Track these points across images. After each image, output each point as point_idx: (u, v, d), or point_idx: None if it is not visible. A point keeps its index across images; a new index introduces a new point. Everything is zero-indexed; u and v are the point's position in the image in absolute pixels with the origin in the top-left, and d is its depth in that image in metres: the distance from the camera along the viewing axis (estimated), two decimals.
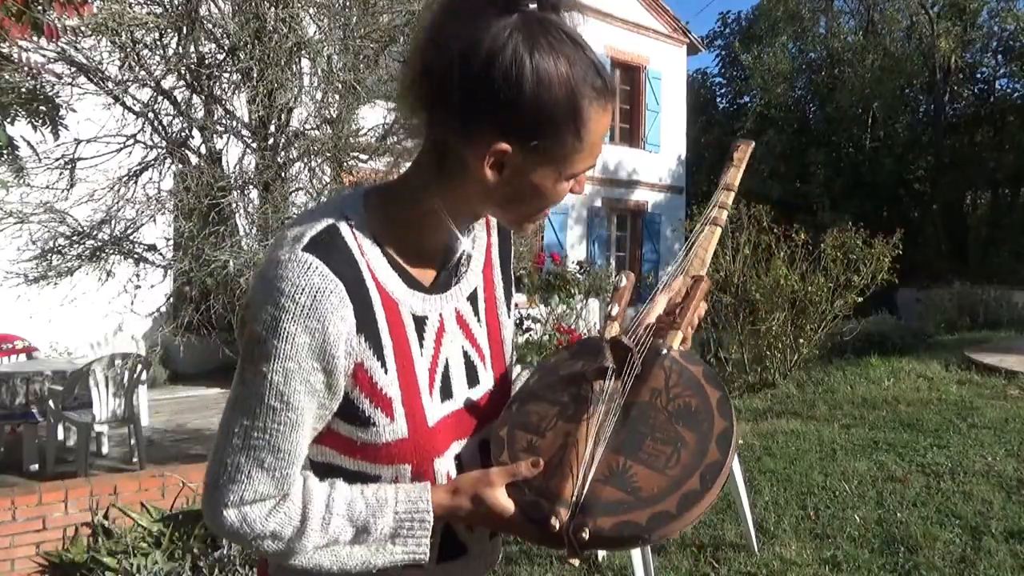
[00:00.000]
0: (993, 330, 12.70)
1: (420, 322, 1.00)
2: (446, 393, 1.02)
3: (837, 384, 7.78)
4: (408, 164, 1.04)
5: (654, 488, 0.97)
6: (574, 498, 0.97)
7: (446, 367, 1.03)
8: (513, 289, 1.19)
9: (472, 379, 1.07)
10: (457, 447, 1.03)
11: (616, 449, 1.01)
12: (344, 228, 0.94)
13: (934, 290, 15.62)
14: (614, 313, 1.14)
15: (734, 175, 1.37)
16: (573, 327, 9.28)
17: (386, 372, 0.95)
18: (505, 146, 0.89)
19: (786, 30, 24.66)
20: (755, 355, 8.19)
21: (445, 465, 1.01)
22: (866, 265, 8.08)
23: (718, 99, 27.85)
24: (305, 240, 0.91)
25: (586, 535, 0.94)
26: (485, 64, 0.86)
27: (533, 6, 0.89)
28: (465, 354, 1.06)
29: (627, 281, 1.19)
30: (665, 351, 1.08)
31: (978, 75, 24.12)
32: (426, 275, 1.02)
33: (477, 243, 1.10)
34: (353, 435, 0.96)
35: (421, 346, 1.00)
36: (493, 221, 1.14)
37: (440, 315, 1.03)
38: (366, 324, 0.93)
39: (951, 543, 3.69)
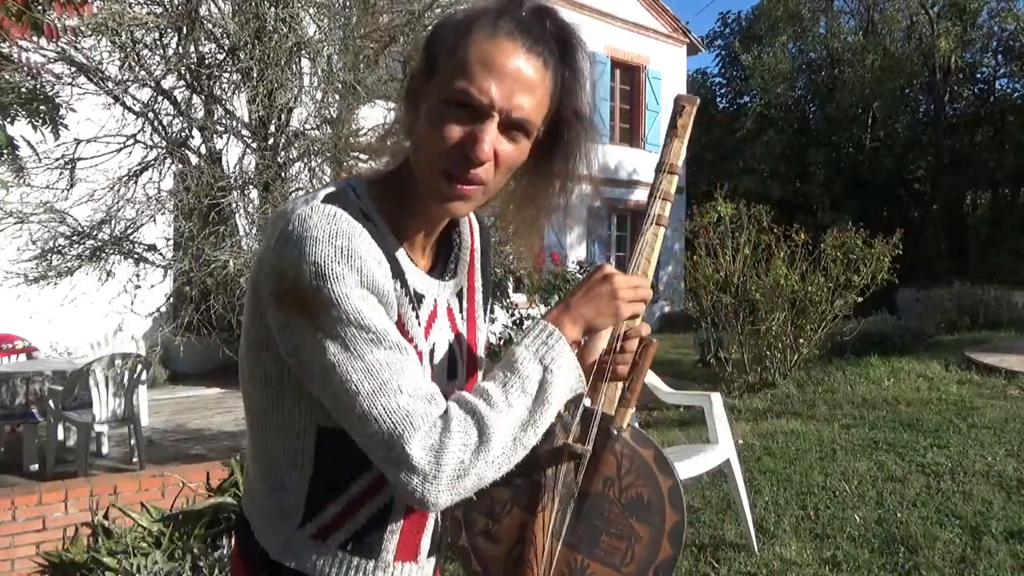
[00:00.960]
0: (993, 330, 12.70)
1: (418, 298, 1.00)
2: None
3: (837, 384, 7.78)
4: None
5: None
6: None
7: (431, 353, 1.02)
8: (490, 297, 1.19)
9: (451, 372, 1.06)
10: None
11: (573, 545, 1.03)
12: (351, 195, 0.95)
13: (934, 290, 15.61)
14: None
15: (678, 149, 1.17)
16: None
17: (419, 325, 0.96)
18: (414, 71, 0.95)
19: (786, 30, 24.64)
20: (755, 355, 8.18)
21: None
22: (866, 265, 8.08)
23: (718, 99, 27.82)
24: (321, 196, 0.92)
25: None
26: (439, 25, 0.95)
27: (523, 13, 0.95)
28: (449, 344, 1.06)
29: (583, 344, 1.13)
30: (616, 432, 1.07)
31: (978, 75, 24.12)
32: (421, 263, 1.03)
33: (464, 245, 1.11)
34: None
35: (418, 321, 0.99)
36: (476, 227, 1.14)
37: (435, 300, 1.03)
38: (397, 272, 0.93)
39: (951, 543, 3.69)
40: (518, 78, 0.91)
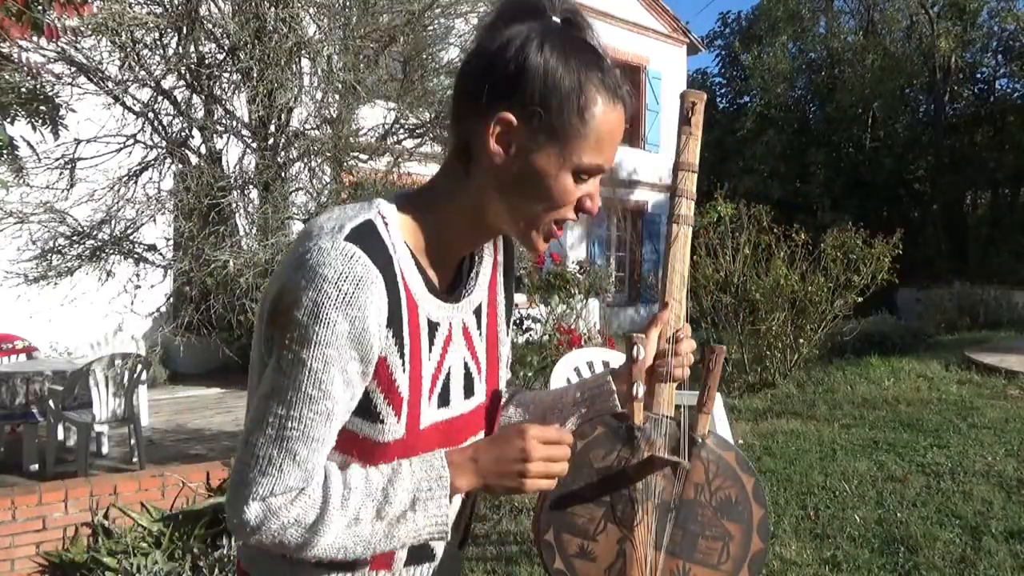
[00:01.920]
0: (993, 330, 12.71)
1: (433, 327, 1.01)
2: (443, 400, 1.03)
3: (837, 384, 7.79)
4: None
5: None
6: None
7: (448, 375, 1.04)
8: (512, 308, 1.20)
9: (468, 390, 1.08)
10: None
11: (674, 552, 1.07)
12: (379, 224, 0.95)
13: (934, 290, 15.62)
14: (639, 394, 1.11)
15: (694, 148, 1.18)
16: (573, 327, 9.27)
17: (404, 371, 0.96)
18: (510, 115, 0.92)
19: (786, 30, 24.64)
20: (755, 355, 8.18)
21: None
22: (866, 265, 8.08)
23: (718, 99, 27.82)
24: (347, 230, 0.91)
25: None
26: (499, 49, 0.93)
27: (556, 19, 0.95)
28: (465, 364, 1.07)
29: (644, 353, 1.13)
30: (700, 440, 1.12)
31: (978, 75, 24.12)
32: (440, 283, 1.04)
33: (485, 260, 1.11)
34: (357, 430, 0.96)
35: (430, 351, 1.00)
36: (500, 242, 1.15)
37: (450, 324, 1.04)
38: (394, 320, 0.93)
39: (951, 543, 3.69)
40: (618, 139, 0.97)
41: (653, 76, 17.14)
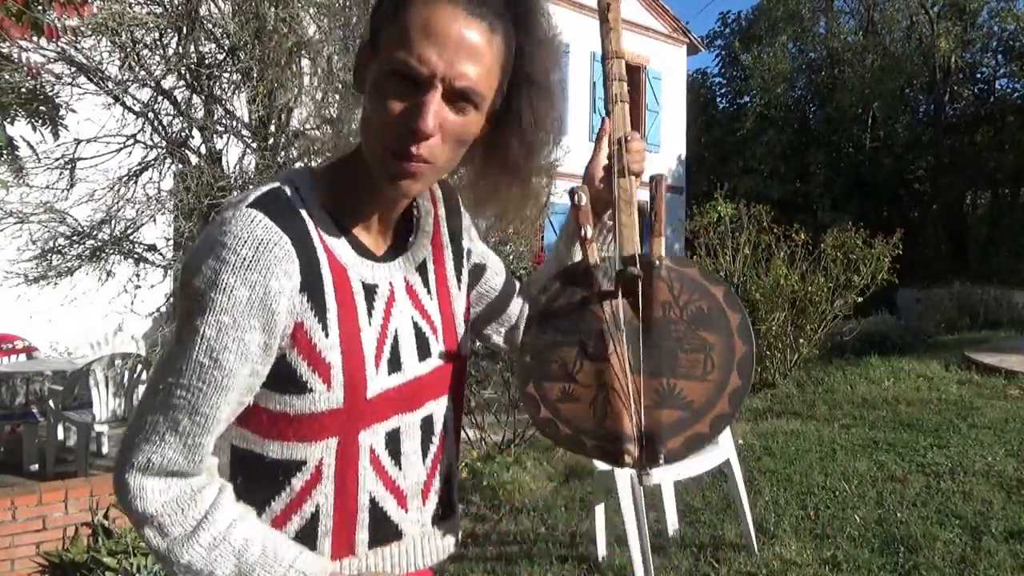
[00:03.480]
0: (993, 330, 12.70)
1: (370, 290, 0.96)
2: (394, 365, 0.97)
3: (837, 384, 7.78)
4: None
5: (703, 397, 1.03)
6: (637, 431, 1.01)
7: (395, 338, 0.98)
8: (465, 263, 1.13)
9: (423, 352, 1.02)
10: (398, 421, 0.98)
11: (654, 372, 1.05)
12: (289, 190, 0.92)
13: (934, 290, 15.61)
14: (588, 235, 1.13)
15: (616, 39, 1.20)
16: None
17: (327, 336, 0.90)
18: (367, 42, 0.92)
19: (786, 30, 24.66)
20: (755, 355, 8.18)
21: (369, 438, 0.95)
22: (866, 265, 8.08)
23: (718, 99, 27.85)
24: (250, 199, 0.88)
25: (662, 460, 1.01)
26: None
27: None
28: (416, 325, 1.02)
29: (586, 198, 1.16)
30: (657, 262, 1.11)
31: (978, 75, 24.14)
32: (375, 244, 0.99)
33: (424, 216, 1.06)
34: (285, 406, 0.91)
35: (370, 315, 0.95)
36: (438, 194, 1.10)
37: (391, 284, 0.99)
38: (311, 283, 0.89)
39: (951, 543, 3.69)
40: (461, 44, 0.86)
41: (653, 76, 17.14)
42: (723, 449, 3.70)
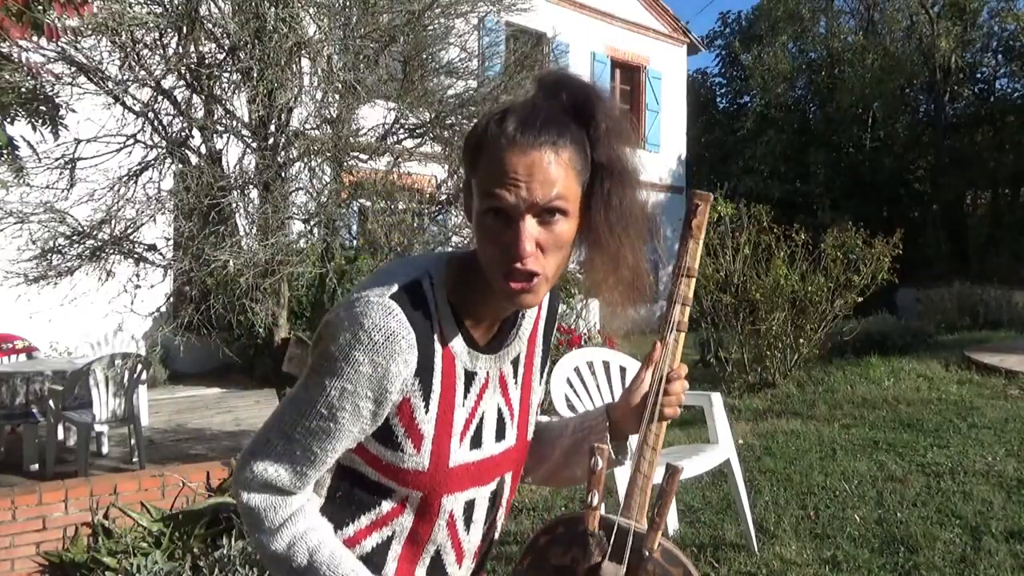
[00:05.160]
0: (993, 330, 12.70)
1: (470, 377, 1.11)
2: (476, 443, 1.13)
3: (837, 384, 7.78)
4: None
5: None
6: None
7: (481, 420, 1.14)
8: (548, 356, 1.28)
9: (500, 434, 1.17)
10: (474, 493, 1.14)
11: None
12: (426, 284, 1.07)
13: (934, 290, 15.60)
14: (594, 503, 1.16)
15: (695, 251, 1.21)
16: (573, 327, 9.28)
17: (426, 412, 1.07)
18: (471, 180, 1.04)
19: (786, 30, 24.65)
20: (755, 355, 8.18)
21: (451, 503, 1.11)
22: (866, 265, 8.08)
23: (718, 99, 27.85)
24: (395, 288, 1.04)
25: None
26: (469, 134, 1.06)
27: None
28: (499, 410, 1.17)
29: (603, 463, 1.17)
30: (647, 554, 1.14)
31: (978, 75, 24.11)
32: (483, 336, 1.13)
33: (528, 315, 1.19)
34: (380, 454, 1.07)
35: (465, 397, 1.11)
36: (546, 299, 1.23)
37: (487, 373, 1.14)
38: (424, 370, 1.05)
39: (951, 543, 3.69)
40: (532, 175, 0.97)
41: (653, 76, 17.15)
42: (723, 449, 3.70)
